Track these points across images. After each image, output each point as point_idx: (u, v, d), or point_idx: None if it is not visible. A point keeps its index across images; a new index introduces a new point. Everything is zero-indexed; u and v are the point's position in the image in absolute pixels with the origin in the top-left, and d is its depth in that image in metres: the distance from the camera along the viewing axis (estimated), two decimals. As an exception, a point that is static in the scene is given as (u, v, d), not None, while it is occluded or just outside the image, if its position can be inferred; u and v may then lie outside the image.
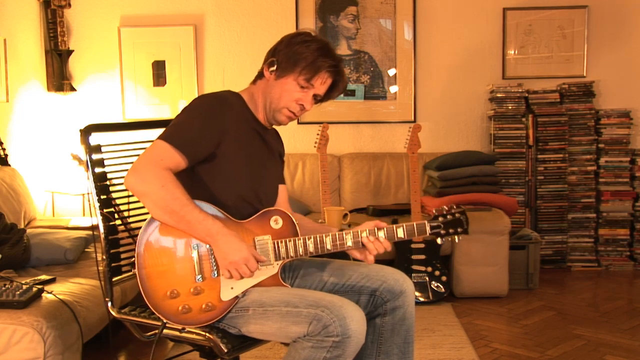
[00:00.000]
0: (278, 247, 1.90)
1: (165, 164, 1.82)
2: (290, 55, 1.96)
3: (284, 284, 1.93)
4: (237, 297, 1.87)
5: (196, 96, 2.03)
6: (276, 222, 1.94)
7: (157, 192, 1.79)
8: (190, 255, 1.86)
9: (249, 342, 1.91)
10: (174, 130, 1.88)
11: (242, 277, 1.84)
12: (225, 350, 1.83)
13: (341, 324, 1.70)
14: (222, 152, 1.92)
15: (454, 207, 1.97)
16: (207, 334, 1.85)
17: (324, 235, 1.92)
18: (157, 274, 1.86)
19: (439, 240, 1.98)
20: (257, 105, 2.05)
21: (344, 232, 1.93)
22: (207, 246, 1.86)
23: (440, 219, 1.96)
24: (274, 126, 2.15)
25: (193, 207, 1.81)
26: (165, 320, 1.86)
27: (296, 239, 1.91)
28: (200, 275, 1.86)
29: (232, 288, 1.87)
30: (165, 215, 1.82)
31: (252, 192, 1.99)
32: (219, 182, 1.94)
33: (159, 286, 1.85)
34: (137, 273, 1.86)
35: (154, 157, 1.82)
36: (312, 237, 1.91)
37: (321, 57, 1.95)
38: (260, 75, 2.06)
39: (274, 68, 1.98)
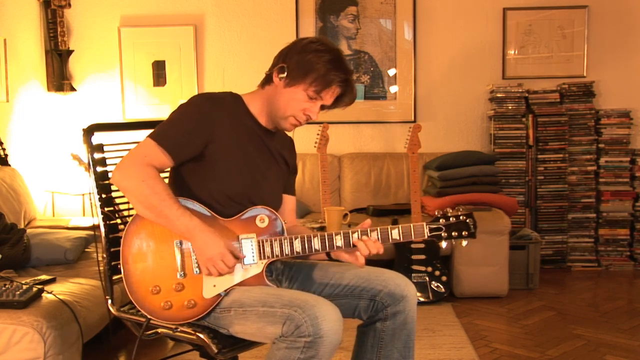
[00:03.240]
0: (263, 246, 1.88)
1: (149, 160, 1.82)
2: (302, 64, 1.90)
3: (269, 283, 1.89)
4: (219, 295, 1.85)
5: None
6: (262, 221, 1.91)
7: (137, 187, 1.80)
8: (172, 251, 1.86)
9: (242, 343, 1.89)
10: (163, 129, 1.88)
11: (220, 274, 1.83)
12: (216, 351, 1.81)
13: (313, 324, 1.66)
14: (210, 153, 1.91)
15: (461, 208, 1.90)
16: (198, 334, 1.84)
17: (311, 235, 1.88)
18: (140, 269, 1.86)
19: (442, 244, 1.90)
20: (261, 109, 2.00)
21: (333, 233, 1.89)
22: (190, 243, 1.85)
23: (442, 220, 1.89)
24: (289, 134, 2.12)
25: (172, 202, 1.80)
26: (149, 317, 1.86)
27: (282, 237, 1.88)
28: (183, 272, 1.85)
29: (214, 286, 1.85)
30: (146, 210, 1.82)
31: (243, 194, 1.94)
32: (206, 181, 1.93)
33: (142, 282, 1.86)
34: (121, 269, 1.87)
35: (138, 154, 1.84)
36: (299, 236, 1.88)
37: (333, 70, 1.90)
38: (269, 80, 1.99)
39: (284, 75, 1.92)
